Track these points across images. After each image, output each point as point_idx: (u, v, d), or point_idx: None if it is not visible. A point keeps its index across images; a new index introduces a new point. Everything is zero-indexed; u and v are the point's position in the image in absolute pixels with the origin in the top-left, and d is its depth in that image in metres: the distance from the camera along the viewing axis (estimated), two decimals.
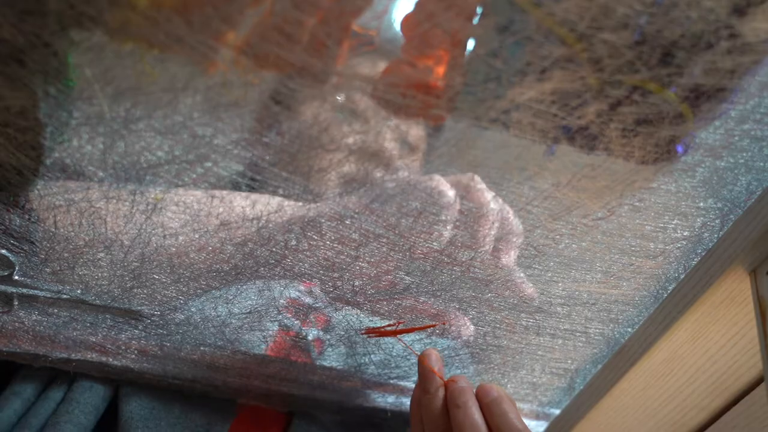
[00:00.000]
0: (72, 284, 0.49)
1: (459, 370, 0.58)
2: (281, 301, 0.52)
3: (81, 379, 0.55)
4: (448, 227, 0.44)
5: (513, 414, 0.43)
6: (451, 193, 0.44)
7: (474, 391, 0.45)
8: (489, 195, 0.44)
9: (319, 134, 0.37)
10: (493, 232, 0.45)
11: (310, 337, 0.55)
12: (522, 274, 0.49)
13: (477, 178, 0.44)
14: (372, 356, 0.57)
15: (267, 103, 0.36)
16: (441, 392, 0.46)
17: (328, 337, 0.56)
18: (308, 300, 0.53)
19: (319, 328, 0.55)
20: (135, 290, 0.49)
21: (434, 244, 0.45)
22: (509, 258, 0.47)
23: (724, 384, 0.51)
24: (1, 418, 0.51)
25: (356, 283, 0.49)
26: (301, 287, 0.52)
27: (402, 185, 0.42)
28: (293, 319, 0.54)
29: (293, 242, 0.45)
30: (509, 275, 0.48)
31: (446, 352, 0.57)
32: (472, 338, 0.53)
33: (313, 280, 0.49)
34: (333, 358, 0.57)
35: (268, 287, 0.50)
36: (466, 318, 0.52)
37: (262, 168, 0.39)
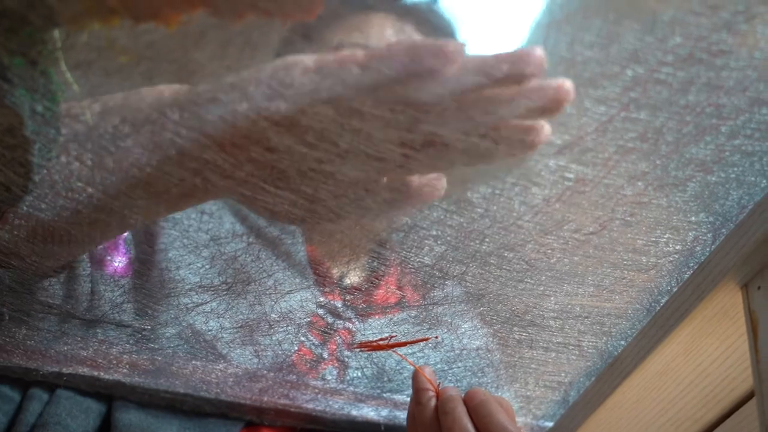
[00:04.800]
0: (62, 299, 0.49)
1: (452, 384, 0.57)
2: (272, 315, 0.52)
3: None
4: None
5: (500, 414, 0.43)
6: None
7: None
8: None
9: None
10: None
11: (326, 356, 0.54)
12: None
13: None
14: (365, 370, 0.57)
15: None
16: (433, 402, 0.46)
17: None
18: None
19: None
20: (125, 305, 0.49)
21: None
22: None
23: (716, 397, 0.51)
24: None
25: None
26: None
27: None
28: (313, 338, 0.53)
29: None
30: None
31: (439, 365, 0.57)
32: None
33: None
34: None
35: (259, 302, 0.50)
36: None
37: None
